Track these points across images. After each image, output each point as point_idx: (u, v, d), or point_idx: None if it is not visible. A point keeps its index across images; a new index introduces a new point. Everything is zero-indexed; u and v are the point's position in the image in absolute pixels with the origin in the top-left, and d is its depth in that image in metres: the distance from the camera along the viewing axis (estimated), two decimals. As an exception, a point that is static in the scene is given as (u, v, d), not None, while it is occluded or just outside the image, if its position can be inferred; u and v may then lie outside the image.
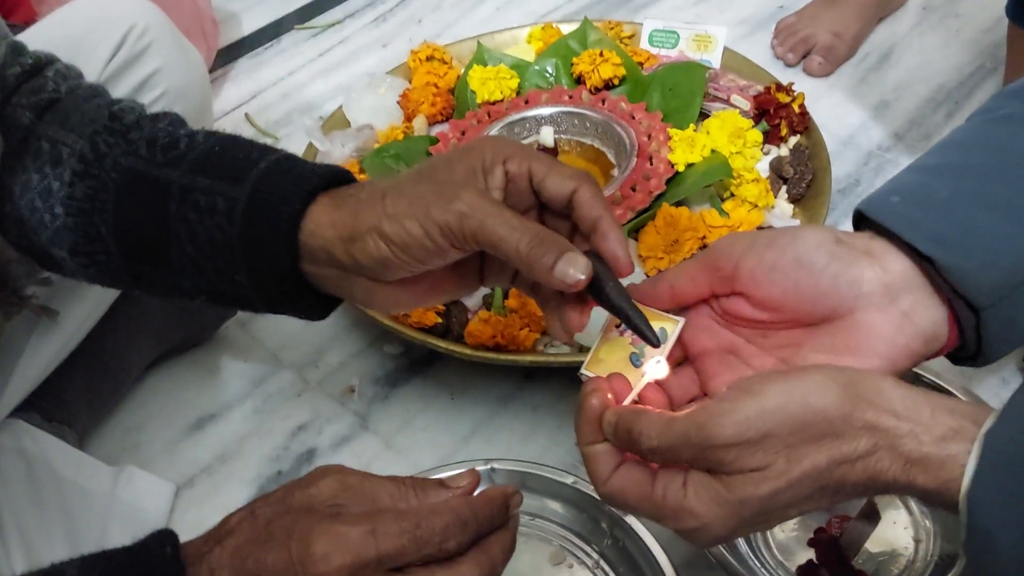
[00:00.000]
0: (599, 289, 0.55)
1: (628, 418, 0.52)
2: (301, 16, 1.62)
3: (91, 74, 0.85)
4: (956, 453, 0.47)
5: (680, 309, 0.59)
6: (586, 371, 0.58)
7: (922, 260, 0.55)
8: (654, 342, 0.55)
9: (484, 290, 1.02)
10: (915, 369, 0.86)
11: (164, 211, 0.59)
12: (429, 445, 0.99)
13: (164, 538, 0.53)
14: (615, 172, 1.12)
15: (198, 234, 0.59)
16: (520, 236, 0.53)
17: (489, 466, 0.88)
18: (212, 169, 0.59)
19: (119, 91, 0.89)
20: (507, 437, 0.99)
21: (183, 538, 0.53)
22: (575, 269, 0.52)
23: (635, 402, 0.56)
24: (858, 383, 0.48)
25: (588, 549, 0.85)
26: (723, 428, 0.48)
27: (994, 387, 0.98)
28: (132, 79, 0.92)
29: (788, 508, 0.50)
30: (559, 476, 0.87)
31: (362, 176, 1.12)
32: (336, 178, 0.60)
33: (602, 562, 0.84)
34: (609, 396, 0.55)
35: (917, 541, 0.82)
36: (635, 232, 1.04)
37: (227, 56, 1.54)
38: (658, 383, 0.57)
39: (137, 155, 0.61)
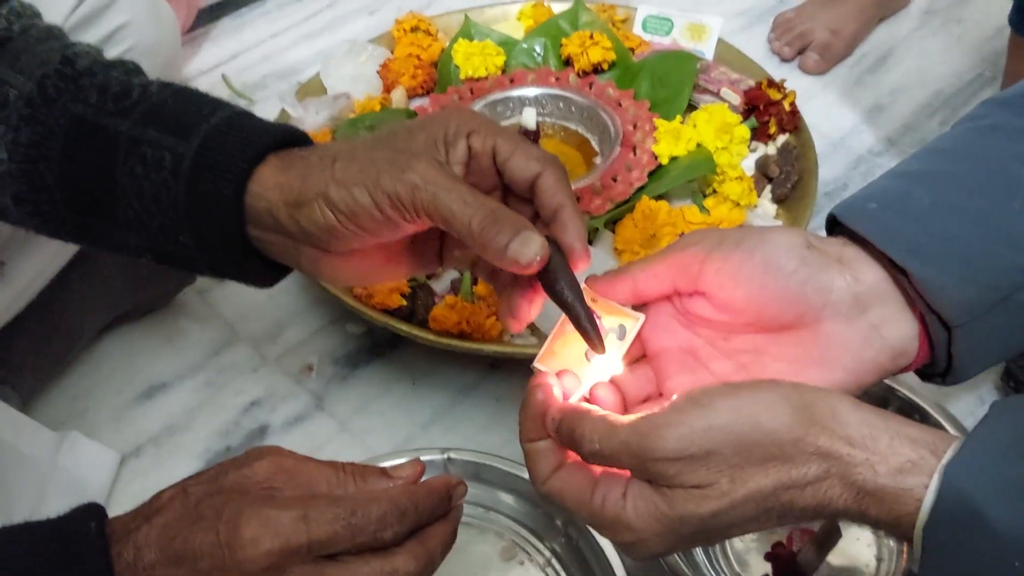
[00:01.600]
0: (552, 281, 0.52)
1: (572, 418, 0.50)
2: (289, -23, 1.58)
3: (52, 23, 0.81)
4: (912, 487, 0.44)
5: (641, 305, 0.57)
6: (539, 364, 0.55)
7: (896, 271, 0.53)
8: (598, 348, 0.53)
9: (453, 274, 0.99)
10: (889, 383, 0.85)
11: (111, 163, 0.56)
12: (386, 430, 0.96)
13: (90, 513, 0.51)
14: (598, 160, 1.09)
15: (144, 190, 0.56)
16: (474, 212, 0.50)
17: (446, 455, 0.86)
18: (162, 122, 0.56)
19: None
20: (467, 427, 0.97)
21: (124, 509, 0.52)
22: (530, 249, 0.50)
23: (585, 399, 0.53)
24: (813, 405, 0.46)
25: (540, 546, 0.83)
26: (665, 441, 0.46)
27: (971, 405, 0.96)
28: (97, 32, 0.89)
29: (731, 528, 0.48)
30: (516, 469, 0.84)
31: (335, 147, 1.09)
32: (290, 138, 0.57)
33: (554, 560, 0.82)
34: (556, 392, 0.52)
35: (879, 560, 0.80)
36: (612, 224, 1.01)
37: (210, 15, 1.50)
38: (613, 381, 0.55)
39: (87, 102, 0.58)
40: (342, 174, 0.52)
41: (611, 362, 0.55)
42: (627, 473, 0.49)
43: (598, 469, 0.50)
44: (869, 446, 0.45)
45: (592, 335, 0.53)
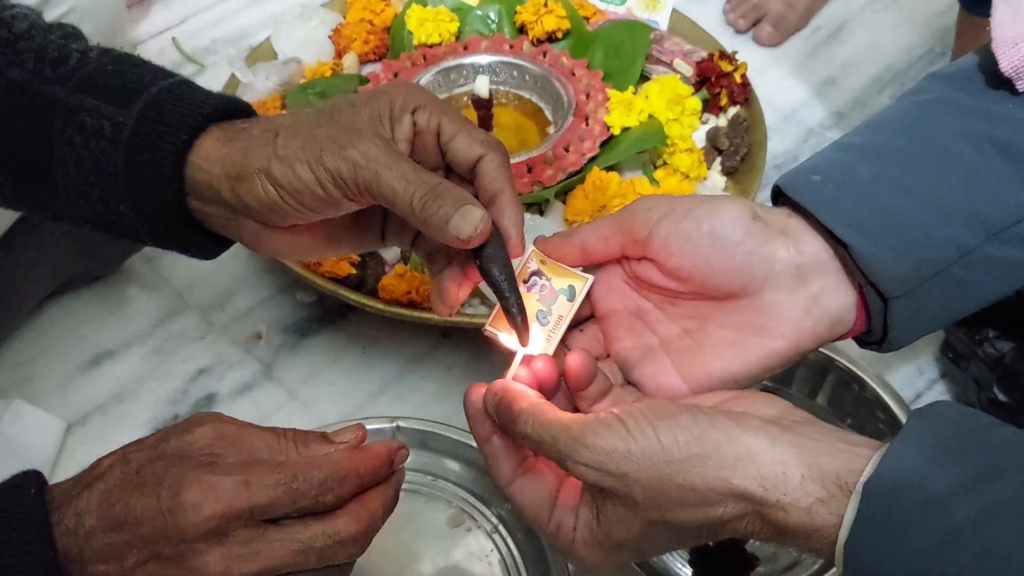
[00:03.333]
0: (487, 264, 0.53)
1: (510, 396, 0.51)
2: (241, -63, 1.55)
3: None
4: (821, 527, 0.45)
5: (591, 267, 0.58)
6: (490, 327, 0.56)
7: (836, 243, 0.54)
8: (523, 340, 0.54)
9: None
10: (830, 354, 0.87)
11: (49, 131, 0.56)
12: (335, 399, 0.96)
13: (29, 479, 0.51)
14: (551, 129, 1.09)
15: (83, 159, 0.55)
16: (415, 189, 0.51)
17: (394, 424, 0.86)
18: (102, 89, 0.56)
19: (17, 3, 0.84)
20: (417, 396, 0.97)
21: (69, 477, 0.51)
22: (469, 223, 0.50)
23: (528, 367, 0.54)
24: (729, 444, 0.46)
25: (487, 512, 0.84)
26: (586, 450, 0.47)
27: (910, 376, 0.98)
28: (35, -9, 0.86)
29: (666, 547, 0.51)
30: (463, 437, 0.85)
31: (284, 112, 1.07)
32: (232, 109, 0.56)
33: (500, 527, 0.83)
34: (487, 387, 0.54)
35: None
36: (564, 195, 1.01)
37: (159, -25, 1.46)
38: (563, 342, 0.56)
39: (23, 67, 0.57)
40: (284, 150, 0.52)
41: (560, 325, 0.56)
42: (576, 494, 0.51)
43: (554, 486, 0.52)
44: (780, 486, 0.45)
45: (520, 325, 0.54)
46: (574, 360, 0.53)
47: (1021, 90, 0.56)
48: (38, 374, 0.98)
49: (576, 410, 0.56)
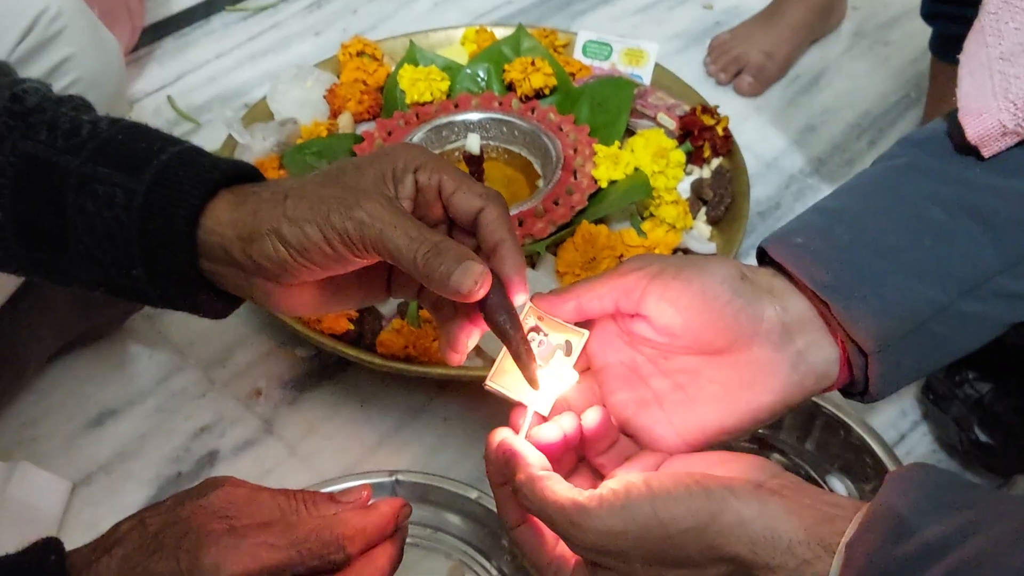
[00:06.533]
0: (492, 313, 0.55)
1: (514, 462, 0.54)
2: (233, -3, 1.59)
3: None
4: None
5: (586, 322, 0.60)
6: (491, 383, 0.58)
7: (819, 302, 0.57)
8: (533, 382, 0.56)
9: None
10: (817, 401, 0.90)
11: (62, 200, 0.57)
12: (334, 454, 0.98)
13: (48, 547, 0.52)
14: (540, 183, 1.12)
15: (96, 226, 0.57)
16: (418, 247, 0.53)
17: (393, 478, 0.88)
18: (113, 159, 0.58)
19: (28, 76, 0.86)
20: (415, 449, 0.99)
21: (76, 538, 0.53)
22: (470, 278, 0.52)
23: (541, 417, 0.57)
24: (722, 515, 0.48)
25: (488, 565, 0.86)
26: (584, 534, 0.50)
27: (893, 418, 1.01)
28: (42, 65, 0.89)
29: None
30: (462, 490, 0.87)
31: (281, 172, 1.10)
32: (239, 174, 0.58)
33: (500, 579, 0.85)
34: (517, 445, 0.56)
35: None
36: (555, 247, 1.04)
37: (153, 34, 1.50)
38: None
39: (37, 140, 0.59)
40: (293, 211, 0.54)
41: (561, 378, 0.58)
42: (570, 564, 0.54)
43: (555, 538, 0.55)
44: (769, 551, 0.47)
45: (529, 368, 0.56)
46: (594, 419, 0.56)
47: (987, 156, 0.59)
48: (43, 434, 1.00)
49: (583, 459, 0.58)
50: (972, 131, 0.59)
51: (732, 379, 0.57)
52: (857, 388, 0.60)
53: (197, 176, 0.56)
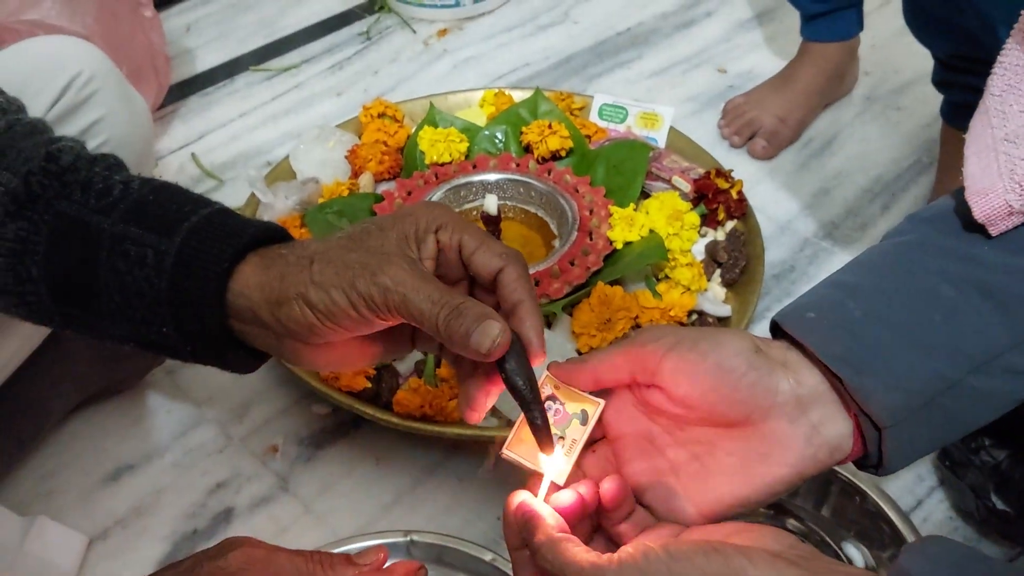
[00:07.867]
0: (511, 376, 0.56)
1: (533, 524, 0.54)
2: (257, 57, 1.62)
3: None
4: None
5: (601, 391, 0.60)
6: (508, 451, 0.58)
7: (832, 376, 0.57)
8: (547, 448, 0.57)
9: (416, 355, 1.02)
10: (833, 467, 0.90)
11: (94, 259, 0.59)
12: (349, 512, 0.98)
13: None
14: (556, 243, 1.13)
15: (127, 284, 0.58)
16: (440, 310, 0.54)
17: (408, 538, 0.88)
18: (144, 219, 0.59)
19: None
20: (430, 508, 0.99)
21: None
22: (488, 337, 0.53)
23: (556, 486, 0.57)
24: None
25: (501, 628, 0.85)
26: None
27: (910, 484, 1.01)
28: (74, 126, 0.91)
29: None
30: (477, 552, 0.86)
31: (303, 231, 1.12)
32: (268, 235, 0.60)
33: (514, 642, 0.84)
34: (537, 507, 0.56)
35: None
36: (570, 308, 1.05)
37: (179, 93, 1.53)
38: (577, 463, 0.58)
39: (71, 199, 0.61)
40: (319, 276, 0.55)
41: (575, 449, 0.58)
42: None
43: None
44: None
45: (543, 434, 0.56)
46: (611, 488, 0.56)
47: (994, 235, 0.60)
48: (60, 488, 1.00)
49: (599, 527, 0.58)
50: (979, 211, 0.60)
51: (748, 451, 0.57)
52: (871, 461, 0.60)
53: (226, 239, 0.58)
